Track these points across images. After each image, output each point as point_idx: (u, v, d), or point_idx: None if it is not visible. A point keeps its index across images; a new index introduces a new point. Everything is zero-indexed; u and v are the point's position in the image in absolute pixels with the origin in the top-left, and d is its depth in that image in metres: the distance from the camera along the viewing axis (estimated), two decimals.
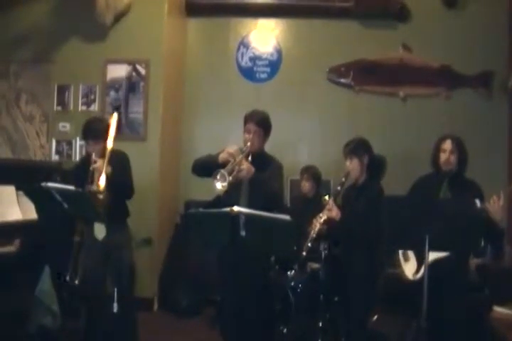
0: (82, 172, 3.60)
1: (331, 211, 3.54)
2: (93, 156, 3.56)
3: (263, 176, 3.32)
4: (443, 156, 3.31)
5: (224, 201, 3.50)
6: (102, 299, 3.53)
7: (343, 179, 3.62)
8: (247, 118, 3.49)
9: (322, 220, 3.58)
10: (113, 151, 3.58)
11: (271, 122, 3.55)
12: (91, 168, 3.49)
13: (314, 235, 3.60)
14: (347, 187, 3.76)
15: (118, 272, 3.61)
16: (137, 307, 3.84)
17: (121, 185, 3.64)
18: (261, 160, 3.46)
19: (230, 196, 3.45)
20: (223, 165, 3.21)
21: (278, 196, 3.45)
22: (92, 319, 3.67)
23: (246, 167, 3.20)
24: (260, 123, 3.45)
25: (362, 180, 3.67)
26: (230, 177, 3.09)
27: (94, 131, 3.67)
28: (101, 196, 3.34)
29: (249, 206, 3.20)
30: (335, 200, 3.60)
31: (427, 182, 3.44)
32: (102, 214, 3.41)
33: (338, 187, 3.63)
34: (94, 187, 3.38)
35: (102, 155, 3.53)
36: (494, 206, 2.94)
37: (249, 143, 3.38)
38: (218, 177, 3.06)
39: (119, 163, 3.67)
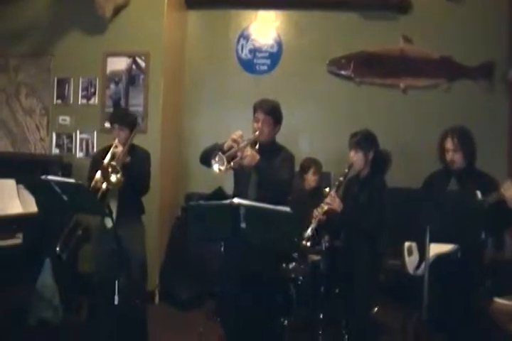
0: (102, 159, 3.61)
1: (333, 202, 3.49)
2: (116, 141, 3.64)
3: (270, 164, 3.26)
4: (447, 156, 3.25)
5: (233, 191, 3.52)
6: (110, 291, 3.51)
7: (346, 170, 3.55)
8: (256, 107, 3.43)
9: (323, 211, 3.53)
10: (137, 147, 3.78)
11: (281, 111, 3.48)
12: (111, 152, 3.57)
13: (315, 225, 3.54)
14: (348, 180, 3.73)
15: (128, 265, 3.54)
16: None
17: (138, 177, 3.65)
18: (271, 149, 3.39)
19: (239, 186, 3.45)
20: (228, 152, 3.17)
21: (285, 185, 3.36)
22: (98, 312, 3.67)
23: (250, 154, 3.15)
24: (269, 111, 3.38)
25: (364, 174, 3.61)
26: (232, 163, 3.08)
27: (121, 116, 3.79)
28: (114, 177, 3.36)
29: (257, 196, 3.20)
30: (337, 191, 3.55)
31: (436, 179, 3.38)
32: (103, 205, 3.42)
33: (341, 178, 3.56)
34: (110, 162, 3.44)
35: (125, 144, 3.62)
36: (509, 192, 2.83)
37: (257, 132, 3.34)
38: (217, 159, 3.06)
39: (140, 158, 3.76)
